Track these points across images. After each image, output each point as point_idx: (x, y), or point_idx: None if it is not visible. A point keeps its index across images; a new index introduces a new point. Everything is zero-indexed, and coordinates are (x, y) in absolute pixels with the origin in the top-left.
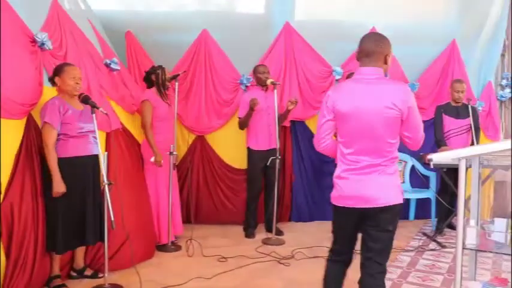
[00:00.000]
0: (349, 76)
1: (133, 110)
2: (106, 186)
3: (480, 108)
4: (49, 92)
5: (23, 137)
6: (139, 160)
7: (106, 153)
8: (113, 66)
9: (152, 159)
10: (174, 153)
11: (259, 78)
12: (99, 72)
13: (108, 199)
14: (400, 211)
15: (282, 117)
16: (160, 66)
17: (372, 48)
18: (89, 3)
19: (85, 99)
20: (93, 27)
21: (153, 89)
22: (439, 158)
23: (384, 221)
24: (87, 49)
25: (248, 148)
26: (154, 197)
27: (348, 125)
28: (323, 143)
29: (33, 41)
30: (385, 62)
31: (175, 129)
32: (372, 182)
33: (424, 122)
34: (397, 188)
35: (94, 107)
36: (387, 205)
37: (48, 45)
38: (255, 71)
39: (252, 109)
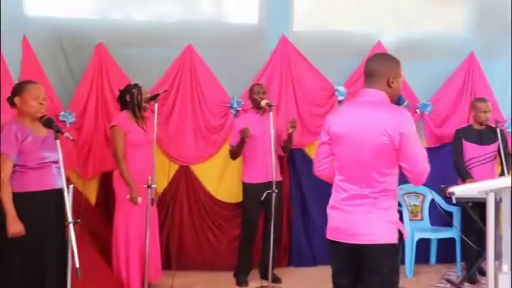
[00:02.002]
0: None
1: None
2: (71, 225)
3: (510, 130)
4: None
5: None
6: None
7: (72, 186)
8: None
9: (128, 195)
10: (153, 186)
11: (254, 99)
12: None
13: (73, 241)
14: (395, 252)
15: (286, 145)
16: (136, 85)
17: (374, 68)
18: (30, 13)
19: (47, 123)
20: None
21: (125, 112)
22: (462, 191)
23: (374, 261)
24: None
25: (242, 182)
26: (122, 238)
27: (340, 149)
28: (319, 167)
29: None
30: (389, 85)
31: (154, 157)
32: (360, 215)
33: (438, 148)
34: (390, 225)
35: (58, 131)
36: (376, 243)
37: None
38: (250, 90)
39: (243, 138)
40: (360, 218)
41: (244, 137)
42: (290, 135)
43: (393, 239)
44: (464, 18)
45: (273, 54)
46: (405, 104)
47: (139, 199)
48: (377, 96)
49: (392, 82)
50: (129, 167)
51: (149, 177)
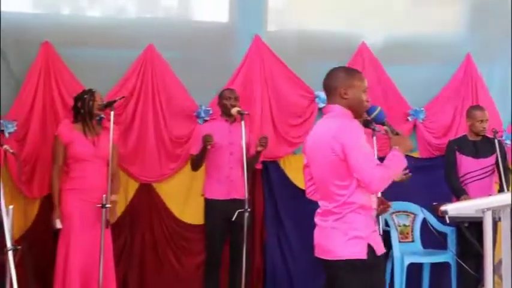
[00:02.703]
0: None
1: None
2: (10, 253)
3: (509, 142)
4: None
5: None
6: None
7: (11, 207)
8: None
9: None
10: (108, 205)
11: (224, 106)
12: None
13: (12, 271)
14: (366, 268)
15: (250, 161)
16: (89, 90)
17: (326, 84)
18: None
19: None
20: None
21: (67, 121)
22: (456, 209)
23: (339, 278)
24: None
25: (204, 198)
26: (62, 268)
27: (311, 167)
28: (307, 189)
29: None
30: (342, 97)
31: (110, 173)
32: (327, 230)
33: (431, 160)
34: (357, 239)
35: None
36: (339, 259)
37: None
38: (220, 96)
39: (205, 146)
40: (327, 233)
41: (206, 144)
42: (258, 153)
43: (360, 255)
44: (458, 17)
45: (245, 56)
46: (376, 112)
47: (58, 222)
48: (334, 111)
49: (345, 93)
50: (71, 182)
51: (103, 196)
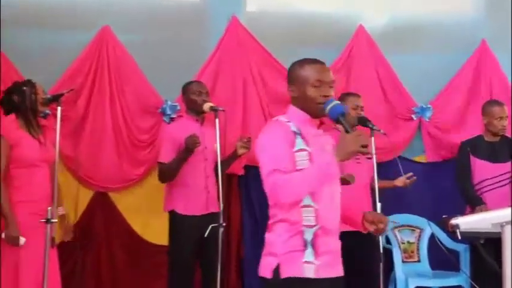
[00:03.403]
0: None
1: None
2: None
3: None
4: None
5: None
6: None
7: None
8: None
9: (3, 234)
10: (53, 220)
11: (193, 102)
12: None
13: None
14: None
15: (224, 163)
16: (29, 81)
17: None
18: None
19: None
20: None
21: (13, 117)
22: (469, 223)
23: None
24: None
25: (172, 212)
26: None
27: None
28: None
29: None
30: (291, 95)
31: (56, 182)
32: None
33: (440, 165)
34: (269, 256)
35: None
36: (259, 275)
37: None
38: (186, 90)
39: (190, 150)
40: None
41: (191, 146)
42: (235, 156)
43: (265, 273)
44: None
45: (219, 42)
46: (330, 105)
47: (22, 240)
48: (287, 113)
49: (292, 91)
50: (21, 194)
51: (48, 209)
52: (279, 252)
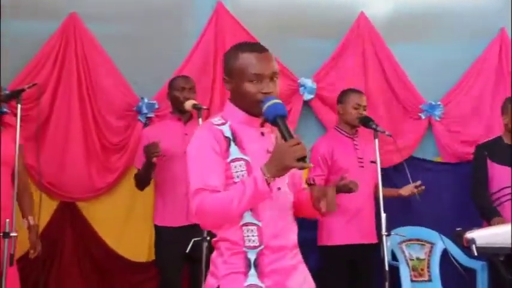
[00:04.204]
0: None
1: None
2: None
3: None
4: None
5: None
6: None
7: None
8: None
9: None
10: (13, 234)
11: (174, 99)
12: None
13: None
14: None
15: None
16: None
17: None
18: None
19: None
20: None
21: None
22: (486, 238)
23: None
24: None
25: (155, 226)
26: None
27: None
28: None
29: None
30: (226, 88)
31: (16, 188)
32: None
33: (454, 166)
34: (208, 274)
35: None
36: None
37: None
38: (170, 86)
39: (149, 161)
40: None
41: (150, 156)
42: None
43: None
44: None
45: (203, 31)
46: (268, 104)
47: None
48: (224, 109)
49: (227, 83)
50: None
51: (6, 221)
52: (219, 273)
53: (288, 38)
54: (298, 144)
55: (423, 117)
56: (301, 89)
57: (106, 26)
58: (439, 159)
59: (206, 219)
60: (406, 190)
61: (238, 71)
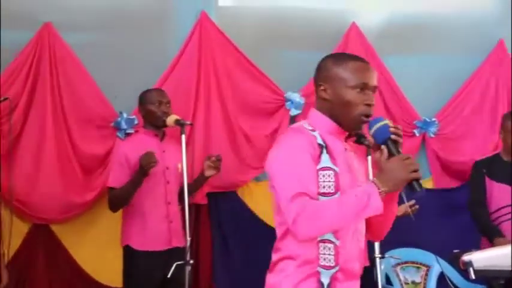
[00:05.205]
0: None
1: None
2: None
3: None
4: None
5: None
6: None
7: None
8: None
9: None
10: None
11: (151, 114)
12: None
13: None
14: None
15: (191, 187)
16: None
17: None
18: None
19: None
20: None
21: None
22: (484, 260)
23: None
24: None
25: (126, 248)
26: None
27: None
28: None
29: None
30: (320, 96)
31: None
32: None
33: (449, 192)
34: None
35: None
36: None
37: None
38: (143, 100)
39: (145, 172)
40: None
41: (146, 166)
42: (204, 178)
43: None
44: None
45: (186, 42)
46: (379, 125)
47: None
48: (309, 117)
49: (324, 90)
50: None
51: None
52: None
53: (274, 50)
54: (409, 158)
55: (417, 134)
56: (288, 103)
57: (83, 37)
58: (430, 180)
59: (308, 224)
60: (400, 210)
61: (342, 77)
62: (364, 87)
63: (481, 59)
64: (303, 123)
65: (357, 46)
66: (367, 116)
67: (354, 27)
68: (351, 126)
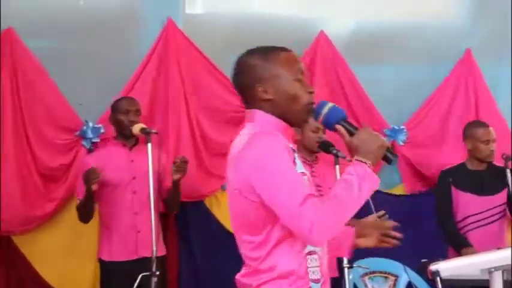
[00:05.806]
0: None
1: None
2: None
3: None
4: None
5: None
6: None
7: None
8: None
9: None
10: None
11: (119, 123)
12: None
13: None
14: None
15: (170, 197)
16: None
17: (237, 82)
18: None
19: None
20: None
21: None
22: (451, 269)
23: None
24: None
25: (99, 260)
26: None
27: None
28: None
29: None
30: (262, 98)
31: None
32: None
33: (418, 198)
34: None
35: None
36: None
37: None
38: (113, 109)
39: (89, 190)
40: None
41: (90, 183)
42: (176, 183)
43: None
44: (455, 4)
45: (152, 49)
46: (326, 109)
47: None
48: (255, 120)
49: (262, 91)
50: None
51: None
52: None
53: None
54: (368, 127)
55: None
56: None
57: (47, 43)
58: (401, 187)
59: (326, 232)
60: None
61: (281, 73)
62: (302, 76)
63: (449, 68)
64: (266, 124)
65: (325, 54)
66: (313, 103)
67: (322, 35)
68: (300, 118)
